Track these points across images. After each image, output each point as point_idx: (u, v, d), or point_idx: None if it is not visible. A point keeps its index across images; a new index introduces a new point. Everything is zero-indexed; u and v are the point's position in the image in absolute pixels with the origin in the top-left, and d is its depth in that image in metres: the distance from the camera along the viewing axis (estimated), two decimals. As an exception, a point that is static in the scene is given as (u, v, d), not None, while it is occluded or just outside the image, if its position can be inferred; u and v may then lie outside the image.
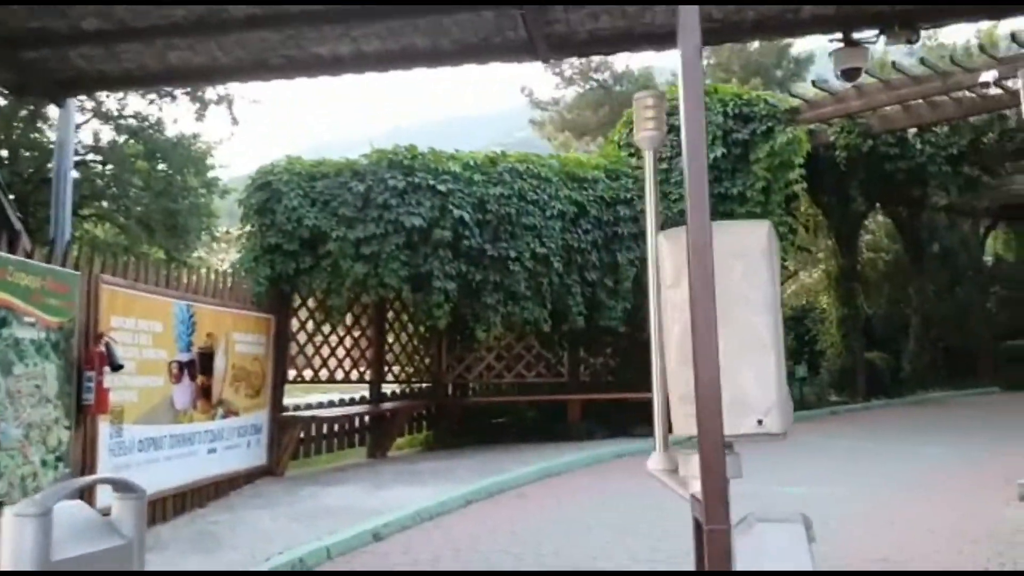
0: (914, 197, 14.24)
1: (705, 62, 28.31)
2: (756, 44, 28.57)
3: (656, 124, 2.75)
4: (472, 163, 10.04)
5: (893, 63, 11.16)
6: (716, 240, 2.41)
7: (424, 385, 12.21)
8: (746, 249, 2.58)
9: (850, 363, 16.17)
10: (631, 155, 12.40)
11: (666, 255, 2.69)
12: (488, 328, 9.95)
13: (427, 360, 12.23)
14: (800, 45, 28.34)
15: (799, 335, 16.83)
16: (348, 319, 10.92)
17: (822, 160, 12.09)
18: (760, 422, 2.46)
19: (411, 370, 12.09)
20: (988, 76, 9.65)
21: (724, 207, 11.89)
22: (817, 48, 28.77)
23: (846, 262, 16.33)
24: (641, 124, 2.76)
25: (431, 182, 9.50)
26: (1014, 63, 9.78)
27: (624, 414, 11.69)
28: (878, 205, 14.28)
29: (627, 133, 12.92)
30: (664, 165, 12.20)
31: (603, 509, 7.27)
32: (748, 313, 2.52)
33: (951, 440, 10.56)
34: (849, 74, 3.07)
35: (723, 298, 2.40)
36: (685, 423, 2.55)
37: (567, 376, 12.32)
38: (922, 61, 10.69)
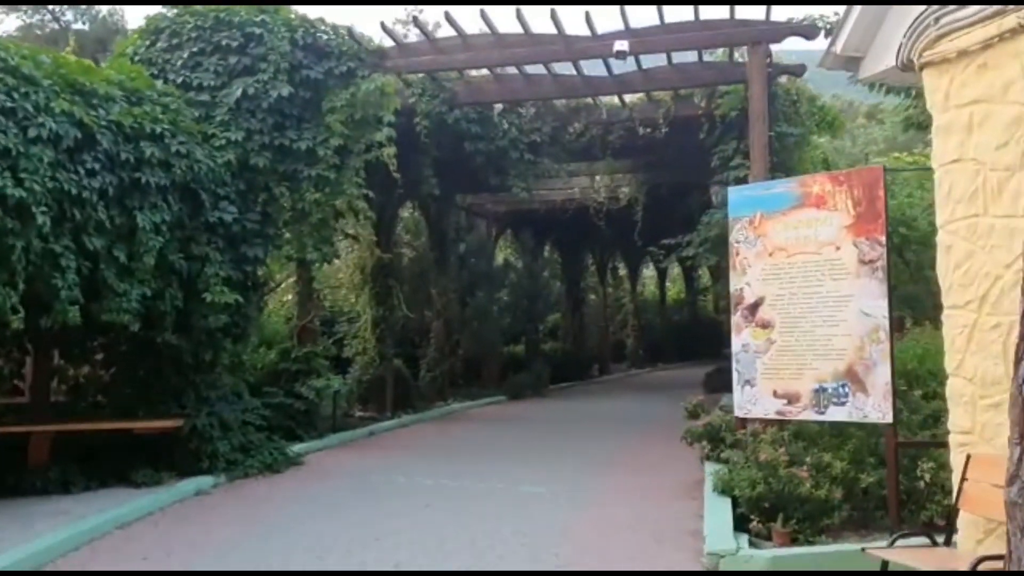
0: (491, 186, 13.42)
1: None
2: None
3: None
4: None
5: (518, 9, 9.86)
6: None
7: None
8: None
9: (381, 372, 14.83)
10: (157, 76, 9.24)
11: None
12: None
13: None
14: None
15: (332, 337, 14.99)
16: None
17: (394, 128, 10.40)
18: None
19: None
20: (621, 45, 8.90)
21: (285, 165, 9.52)
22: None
23: (384, 255, 14.94)
24: None
25: None
26: (644, 36, 9.22)
27: (121, 452, 8.54)
28: (435, 192, 13.13)
29: (147, 46, 9.70)
30: (204, 96, 9.36)
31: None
32: None
33: (537, 472, 9.65)
34: None
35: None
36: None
37: (29, 395, 8.63)
38: (552, 15, 9.59)
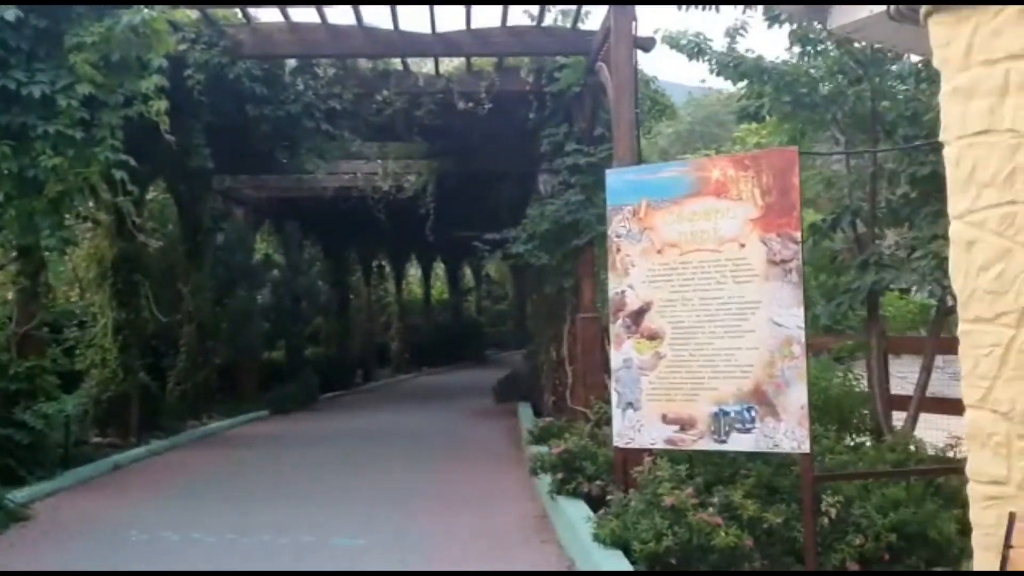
0: (277, 162, 11.35)
1: None
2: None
3: None
4: None
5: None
6: None
7: None
8: None
9: (124, 388, 12.37)
10: None
11: None
12: None
13: None
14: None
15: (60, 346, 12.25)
16: None
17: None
18: None
19: None
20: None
21: (9, 117, 7.28)
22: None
23: (128, 245, 12.44)
24: None
25: None
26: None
27: None
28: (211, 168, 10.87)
29: None
30: None
31: None
32: None
33: (346, 517, 8.02)
34: None
35: None
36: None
37: None
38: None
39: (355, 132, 11.39)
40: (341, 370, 23.04)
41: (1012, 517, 3.67)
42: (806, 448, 5.71)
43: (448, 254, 32.46)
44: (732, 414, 5.97)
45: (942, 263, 7.59)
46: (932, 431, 8.05)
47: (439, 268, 36.23)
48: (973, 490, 3.94)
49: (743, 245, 6.01)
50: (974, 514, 3.94)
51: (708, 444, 6.09)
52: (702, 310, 6.13)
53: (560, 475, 7.51)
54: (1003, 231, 3.76)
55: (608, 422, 8.66)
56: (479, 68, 10.87)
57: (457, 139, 12.60)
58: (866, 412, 8.68)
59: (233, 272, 17.72)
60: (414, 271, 35.72)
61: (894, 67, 9.42)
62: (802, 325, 5.78)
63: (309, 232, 22.88)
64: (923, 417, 8.08)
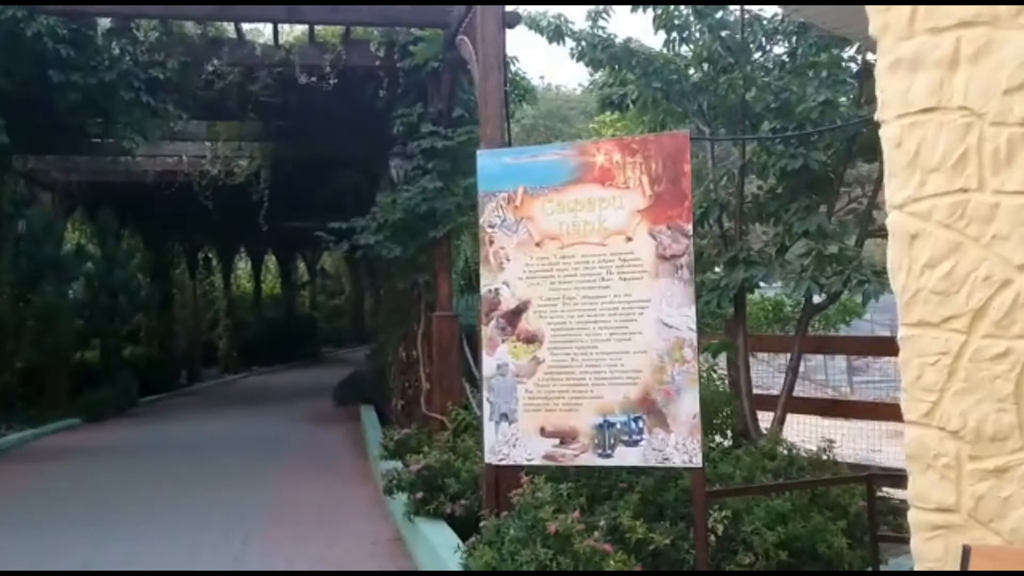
0: (89, 143, 9.93)
1: None
2: None
3: None
4: None
5: None
6: None
7: None
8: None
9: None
10: None
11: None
12: None
13: None
14: None
15: None
16: None
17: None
18: None
19: None
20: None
21: None
22: None
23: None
24: None
25: None
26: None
27: None
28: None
29: None
30: None
31: None
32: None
33: (170, 548, 7.02)
34: None
35: None
36: None
37: None
38: None
39: (180, 106, 10.22)
40: (163, 371, 21.77)
41: (967, 551, 3.25)
42: (698, 462, 5.22)
43: (281, 246, 31.13)
44: (618, 425, 5.42)
45: (821, 261, 7.41)
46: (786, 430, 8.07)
47: (271, 261, 34.74)
48: (916, 518, 3.50)
49: (630, 238, 5.47)
50: (917, 545, 3.51)
51: (591, 459, 5.51)
52: (585, 310, 5.55)
53: (420, 494, 6.78)
54: (952, 223, 3.32)
55: (467, 430, 8.06)
56: (324, 39, 9.97)
57: (297, 118, 11.62)
58: (730, 413, 8.49)
59: (39, 264, 16.09)
60: (243, 264, 34.13)
61: (760, 57, 9.24)
62: (693, 326, 5.30)
63: (127, 221, 21.27)
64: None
